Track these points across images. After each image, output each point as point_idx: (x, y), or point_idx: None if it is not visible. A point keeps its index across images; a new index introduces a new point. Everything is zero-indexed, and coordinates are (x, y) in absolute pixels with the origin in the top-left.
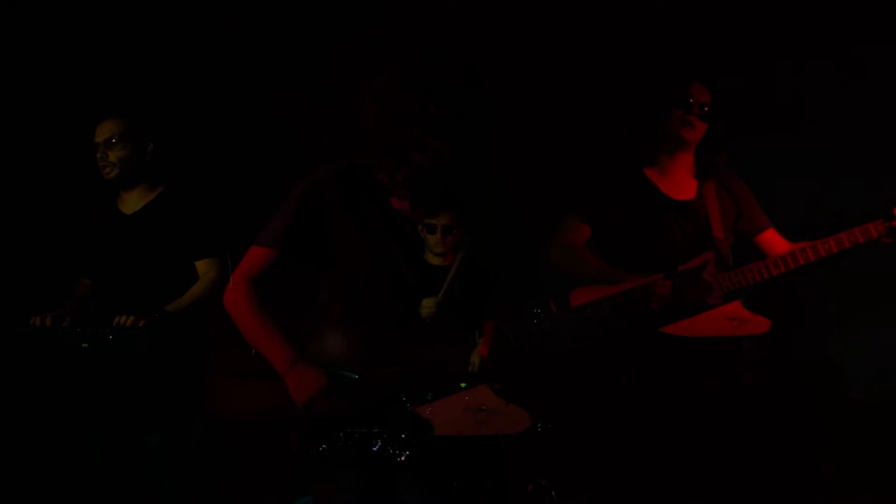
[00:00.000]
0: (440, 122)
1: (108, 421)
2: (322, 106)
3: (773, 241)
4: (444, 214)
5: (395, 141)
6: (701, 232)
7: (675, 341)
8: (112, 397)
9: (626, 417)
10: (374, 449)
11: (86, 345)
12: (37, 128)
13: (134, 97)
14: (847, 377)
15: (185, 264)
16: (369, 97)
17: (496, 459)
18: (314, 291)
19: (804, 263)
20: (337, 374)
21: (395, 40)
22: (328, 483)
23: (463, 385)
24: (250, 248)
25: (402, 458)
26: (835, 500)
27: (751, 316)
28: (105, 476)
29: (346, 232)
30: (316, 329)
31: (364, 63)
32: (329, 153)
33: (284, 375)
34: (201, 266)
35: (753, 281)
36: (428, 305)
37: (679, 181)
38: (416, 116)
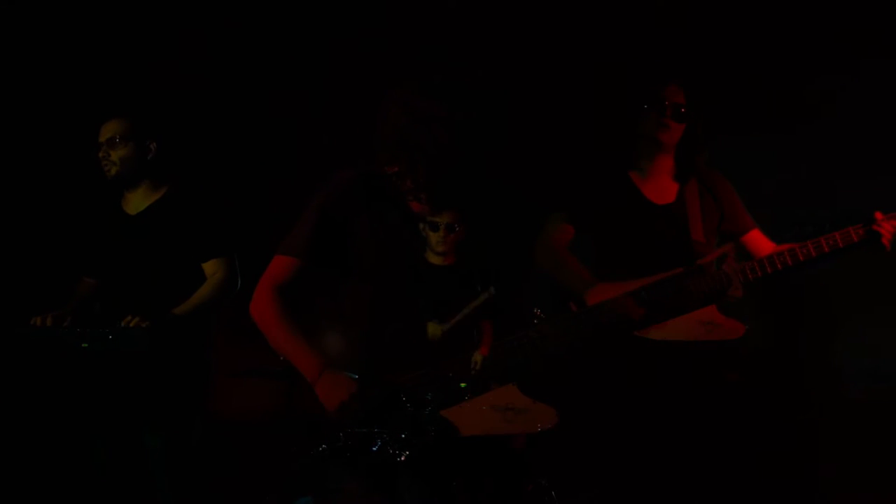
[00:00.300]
0: (463, 124)
1: (108, 421)
2: (322, 106)
3: (758, 242)
4: (446, 212)
5: (420, 145)
6: (680, 236)
7: (649, 344)
8: (113, 398)
9: (621, 418)
10: (374, 449)
11: (86, 345)
12: (40, 128)
13: (137, 98)
14: (847, 377)
15: (190, 265)
16: (391, 104)
17: (499, 459)
18: (312, 295)
19: (782, 268)
20: (364, 380)
21: (395, 40)
22: (329, 483)
23: (463, 385)
24: (274, 257)
25: (402, 459)
26: (835, 500)
27: (725, 320)
28: (105, 476)
29: (368, 238)
30: (333, 333)
31: (364, 63)
32: (329, 153)
33: (314, 383)
34: (209, 267)
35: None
36: (434, 332)
37: (660, 184)
38: (441, 121)
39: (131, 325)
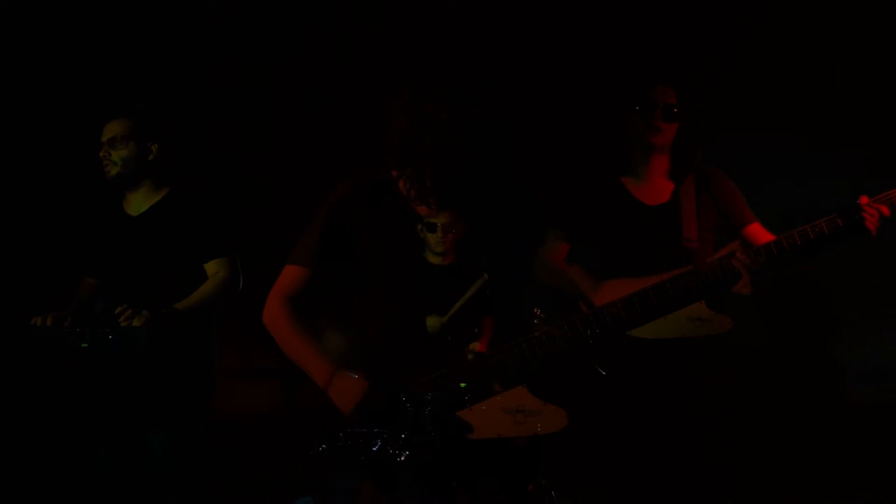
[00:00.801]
0: (469, 126)
1: (109, 421)
2: (322, 106)
3: (758, 235)
4: (443, 213)
5: (427, 149)
6: (673, 235)
7: (637, 343)
8: (114, 397)
9: (617, 418)
10: (374, 449)
11: (86, 345)
12: (42, 128)
13: (139, 98)
14: (847, 377)
15: (192, 265)
16: (397, 108)
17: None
18: (319, 299)
19: (767, 259)
20: (376, 379)
21: (395, 40)
22: (329, 483)
23: (462, 385)
24: (284, 267)
25: (402, 459)
26: (835, 500)
27: (713, 315)
28: (107, 476)
29: (373, 243)
30: (339, 335)
31: (364, 63)
32: (330, 153)
33: (326, 388)
34: (210, 267)
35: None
36: (433, 325)
37: (654, 186)
38: (448, 124)
39: (128, 317)
